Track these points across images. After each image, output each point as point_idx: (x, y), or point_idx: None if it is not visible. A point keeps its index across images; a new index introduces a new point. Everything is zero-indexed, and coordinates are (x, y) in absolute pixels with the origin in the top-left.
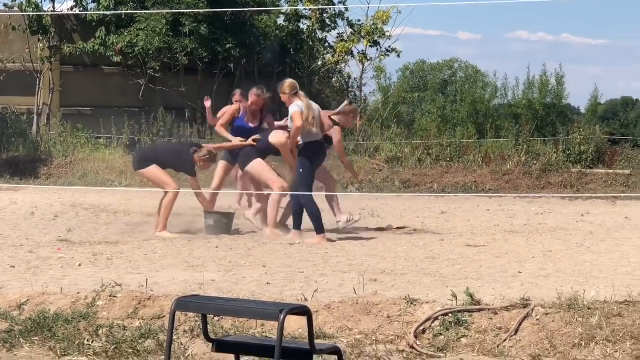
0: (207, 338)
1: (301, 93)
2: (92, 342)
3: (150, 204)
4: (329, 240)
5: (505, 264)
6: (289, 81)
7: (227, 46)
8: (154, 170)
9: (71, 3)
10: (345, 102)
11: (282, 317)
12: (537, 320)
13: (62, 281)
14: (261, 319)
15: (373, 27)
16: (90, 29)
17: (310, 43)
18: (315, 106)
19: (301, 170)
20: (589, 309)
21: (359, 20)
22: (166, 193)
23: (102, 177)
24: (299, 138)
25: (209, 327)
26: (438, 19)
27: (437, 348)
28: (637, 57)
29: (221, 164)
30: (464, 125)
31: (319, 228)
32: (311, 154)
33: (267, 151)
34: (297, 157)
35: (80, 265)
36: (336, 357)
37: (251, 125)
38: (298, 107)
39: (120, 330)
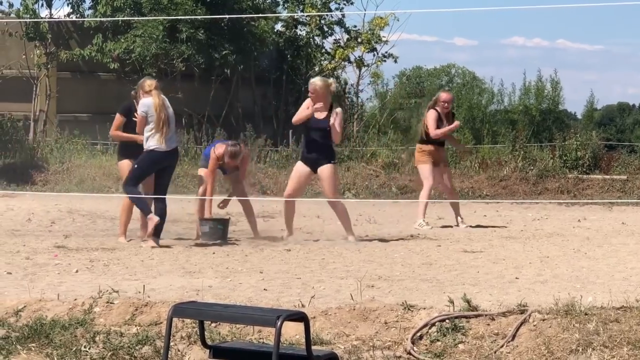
0: (204, 344)
1: (156, 92)
2: (89, 349)
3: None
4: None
5: (502, 269)
6: (148, 80)
7: (224, 52)
8: (124, 166)
9: (68, 9)
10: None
11: (279, 323)
12: (534, 326)
13: (59, 287)
14: (258, 325)
15: (370, 32)
16: (87, 36)
17: (308, 49)
18: (170, 107)
19: (136, 166)
20: (586, 314)
21: (355, 26)
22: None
23: (98, 184)
24: (145, 140)
25: (206, 333)
26: (434, 25)
27: (434, 354)
28: (633, 63)
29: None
30: (460, 131)
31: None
32: (154, 157)
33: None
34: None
35: (77, 271)
36: None
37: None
38: (144, 105)
39: (117, 337)
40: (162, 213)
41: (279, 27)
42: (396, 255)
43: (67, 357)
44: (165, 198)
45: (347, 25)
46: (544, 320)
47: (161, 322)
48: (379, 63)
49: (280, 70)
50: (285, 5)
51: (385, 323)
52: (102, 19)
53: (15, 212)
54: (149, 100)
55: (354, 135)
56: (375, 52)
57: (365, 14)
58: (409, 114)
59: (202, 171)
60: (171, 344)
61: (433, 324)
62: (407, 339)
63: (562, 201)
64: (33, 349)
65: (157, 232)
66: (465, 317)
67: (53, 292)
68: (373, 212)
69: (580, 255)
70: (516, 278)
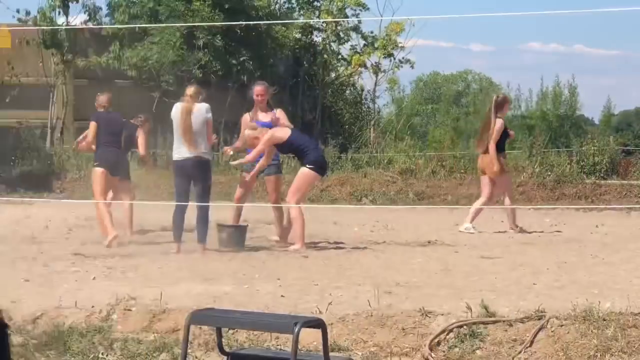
0: (222, 351)
1: (184, 98)
2: (107, 356)
3: (164, 218)
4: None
5: (519, 275)
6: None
7: (241, 59)
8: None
9: (85, 17)
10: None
11: (296, 329)
12: (552, 331)
13: (76, 295)
14: (276, 332)
15: (386, 38)
16: (104, 43)
17: (324, 56)
18: (200, 114)
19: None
20: (604, 320)
21: (372, 32)
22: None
23: None
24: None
25: (223, 340)
26: (450, 31)
27: None
28: None
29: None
30: (477, 137)
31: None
32: (181, 169)
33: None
34: None
35: (94, 278)
36: None
37: (263, 120)
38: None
39: (134, 344)
40: (202, 218)
41: (295, 33)
42: (414, 262)
43: None
44: (207, 205)
45: (363, 32)
46: (561, 326)
47: (179, 329)
48: (395, 69)
49: (297, 77)
50: (301, 12)
51: (403, 329)
52: (119, 27)
53: (33, 220)
54: (176, 106)
55: (371, 142)
56: (392, 58)
57: (381, 20)
58: (426, 120)
59: None
60: (189, 351)
61: (451, 330)
62: (424, 345)
63: (579, 207)
64: (51, 356)
65: (202, 238)
66: (483, 323)
67: (71, 299)
68: (390, 218)
69: (597, 261)
70: (534, 284)
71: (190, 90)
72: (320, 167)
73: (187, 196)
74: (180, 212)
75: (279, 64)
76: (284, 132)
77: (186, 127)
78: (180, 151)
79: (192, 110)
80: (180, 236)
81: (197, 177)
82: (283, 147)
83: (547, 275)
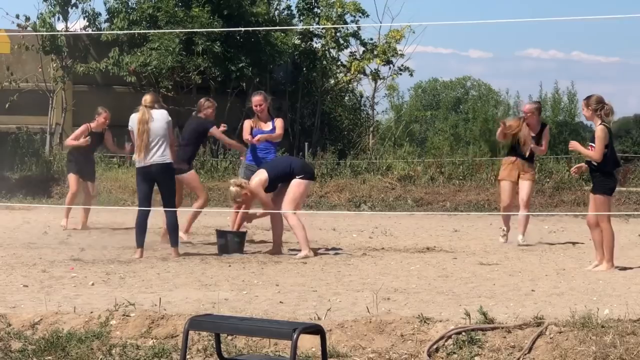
0: (220, 357)
1: (141, 106)
2: None
3: (162, 223)
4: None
5: (518, 282)
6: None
7: (240, 65)
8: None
9: (84, 23)
10: None
11: (295, 336)
12: (550, 338)
13: (75, 300)
14: (274, 338)
15: (386, 45)
16: (103, 49)
17: (324, 62)
18: (161, 120)
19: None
20: (602, 327)
21: (371, 39)
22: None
23: (114, 196)
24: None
25: (222, 346)
26: (449, 37)
27: None
28: None
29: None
30: (476, 143)
31: (173, 241)
32: (145, 175)
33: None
34: None
35: (93, 284)
36: None
37: (264, 129)
38: (130, 120)
39: (133, 350)
40: (171, 223)
41: (295, 40)
42: (412, 268)
43: None
44: (174, 210)
45: (362, 38)
46: (560, 332)
47: (177, 335)
48: (394, 76)
49: (296, 83)
50: (301, 18)
51: (402, 336)
52: (119, 32)
53: (32, 225)
54: (133, 116)
55: (370, 148)
56: (391, 65)
57: (380, 26)
58: (425, 127)
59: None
60: (187, 356)
61: (449, 337)
62: (423, 352)
63: (578, 213)
64: None
65: (174, 242)
66: (482, 329)
67: (69, 304)
68: (389, 224)
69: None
70: (532, 290)
71: (146, 99)
72: (309, 173)
73: (150, 201)
74: (143, 218)
75: (278, 70)
76: (261, 174)
77: (145, 135)
78: (143, 158)
79: (148, 119)
80: (143, 242)
81: (161, 182)
82: (272, 185)
83: (546, 281)
